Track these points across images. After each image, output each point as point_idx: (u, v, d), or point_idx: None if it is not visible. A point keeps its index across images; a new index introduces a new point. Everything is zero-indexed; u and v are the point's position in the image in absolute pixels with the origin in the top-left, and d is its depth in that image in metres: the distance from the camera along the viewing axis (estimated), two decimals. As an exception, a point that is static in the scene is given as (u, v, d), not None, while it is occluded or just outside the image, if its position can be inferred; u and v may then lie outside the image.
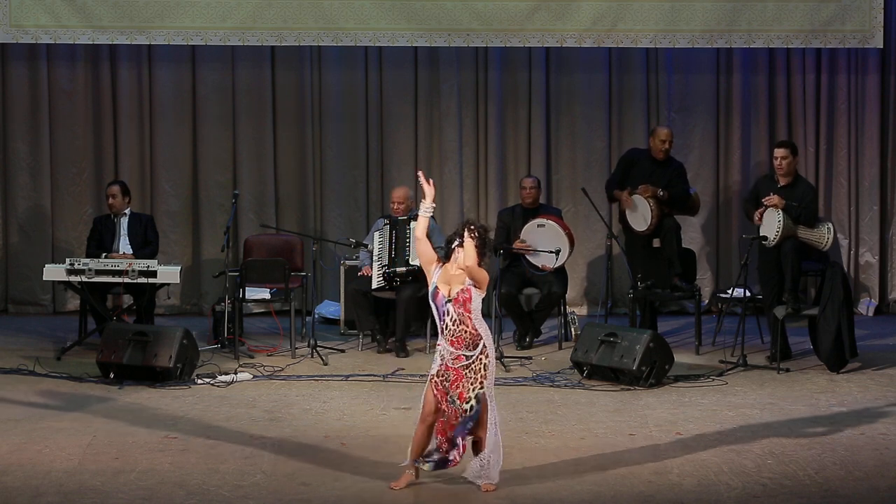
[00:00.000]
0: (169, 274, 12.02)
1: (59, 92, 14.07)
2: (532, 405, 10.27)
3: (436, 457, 8.18)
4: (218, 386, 10.95)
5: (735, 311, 12.33)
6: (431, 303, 8.15)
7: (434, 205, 8.24)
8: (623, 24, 13.58)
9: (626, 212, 12.63)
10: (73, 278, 11.98)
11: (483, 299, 8.14)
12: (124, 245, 12.59)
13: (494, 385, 8.19)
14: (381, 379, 11.23)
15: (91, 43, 13.72)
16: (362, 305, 12.36)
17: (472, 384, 8.03)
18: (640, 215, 12.53)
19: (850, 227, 14.30)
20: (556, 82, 14.19)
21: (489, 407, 8.09)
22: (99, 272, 11.91)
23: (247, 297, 12.38)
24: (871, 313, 14.20)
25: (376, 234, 12.48)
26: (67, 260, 12.05)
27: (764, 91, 14.19)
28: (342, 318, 13.05)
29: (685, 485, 8.29)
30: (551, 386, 11.00)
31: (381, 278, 12.26)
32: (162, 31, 13.55)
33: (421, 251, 8.22)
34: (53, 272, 12.08)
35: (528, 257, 12.57)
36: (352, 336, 12.75)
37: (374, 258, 12.37)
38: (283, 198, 14.27)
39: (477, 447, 8.15)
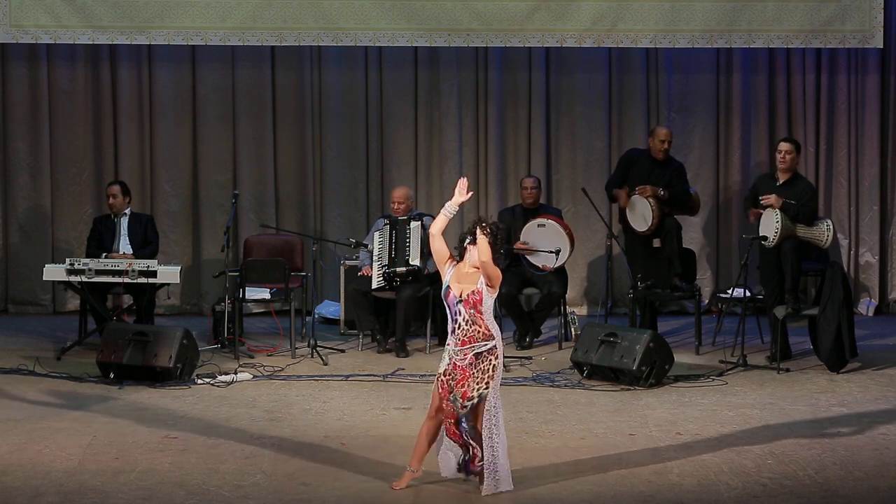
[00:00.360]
0: (169, 274, 12.02)
1: (59, 92, 14.07)
2: (532, 405, 10.27)
3: (454, 462, 8.14)
4: (218, 386, 10.95)
5: (735, 311, 12.32)
6: (444, 301, 8.12)
7: (457, 208, 8.19)
8: (623, 24, 13.58)
9: (627, 212, 12.64)
10: (73, 278, 11.98)
11: None
12: (124, 245, 12.59)
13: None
14: (381, 379, 11.24)
15: (91, 43, 13.72)
16: (362, 305, 12.36)
17: (477, 384, 8.01)
18: (641, 215, 12.53)
19: (850, 227, 14.31)
20: (556, 82, 14.19)
21: (491, 408, 8.06)
22: (99, 272, 11.91)
23: (247, 297, 12.38)
24: (871, 313, 14.20)
25: (376, 234, 12.48)
26: (67, 260, 12.05)
27: (764, 91, 14.20)
28: (342, 318, 13.05)
29: (685, 485, 8.29)
30: (551, 386, 11.00)
31: (381, 278, 12.26)
32: (162, 31, 13.55)
33: (436, 248, 8.17)
34: (53, 272, 12.08)
35: (528, 257, 12.58)
36: (352, 336, 12.75)
37: (374, 258, 12.37)
38: (283, 198, 14.27)
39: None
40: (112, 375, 11.05)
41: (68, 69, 14.05)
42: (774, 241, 11.74)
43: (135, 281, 11.91)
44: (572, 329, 11.82)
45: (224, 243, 12.49)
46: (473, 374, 8.03)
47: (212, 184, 14.20)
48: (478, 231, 7.99)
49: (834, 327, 11.34)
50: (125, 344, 11.11)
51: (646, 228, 12.51)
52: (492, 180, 14.24)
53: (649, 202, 12.45)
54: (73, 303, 13.62)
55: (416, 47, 13.98)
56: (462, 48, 13.92)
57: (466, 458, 8.11)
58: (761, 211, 11.88)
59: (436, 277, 12.24)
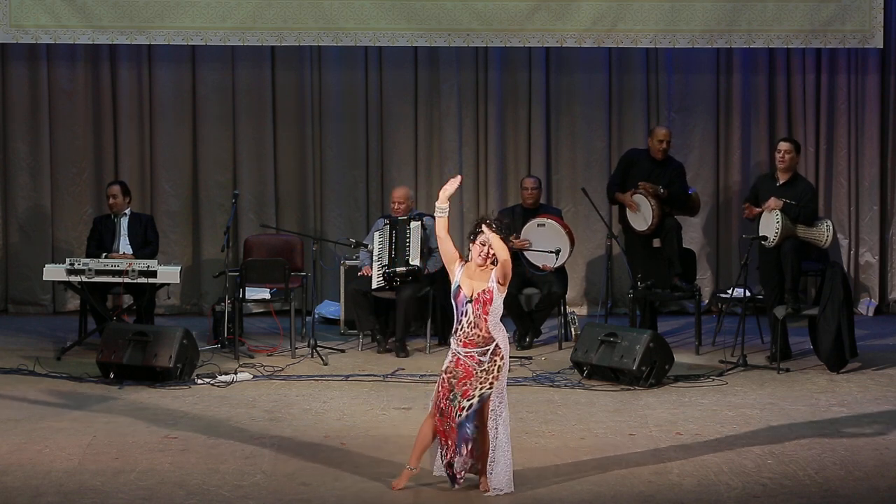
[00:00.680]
0: (169, 274, 12.02)
1: (59, 92, 14.07)
2: (532, 405, 10.27)
3: (444, 468, 8.12)
4: (218, 386, 10.95)
5: (735, 311, 12.32)
6: (452, 301, 8.10)
7: (446, 204, 8.17)
8: (623, 24, 13.58)
9: (627, 211, 12.64)
10: (73, 278, 11.98)
11: None
12: (124, 245, 12.59)
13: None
14: (381, 379, 11.24)
15: (91, 43, 13.72)
16: (362, 305, 12.36)
17: (480, 383, 7.99)
18: (641, 215, 12.54)
19: (850, 227, 14.31)
20: (556, 82, 14.19)
21: (496, 409, 8.04)
22: (99, 272, 11.91)
23: (247, 297, 12.38)
24: (871, 313, 14.20)
25: (376, 234, 12.48)
26: (67, 260, 12.05)
27: (764, 91, 14.20)
28: (342, 318, 13.05)
29: (685, 485, 8.29)
30: (551, 386, 11.00)
31: (381, 278, 12.26)
32: (162, 31, 13.55)
33: (444, 250, 8.14)
34: (53, 272, 12.08)
35: (527, 257, 12.57)
36: (352, 336, 12.75)
37: (374, 258, 12.37)
38: (283, 198, 14.27)
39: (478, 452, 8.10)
40: (112, 375, 11.05)
41: (68, 69, 14.05)
42: (774, 241, 11.75)
43: (135, 281, 11.91)
44: (572, 329, 11.83)
45: (224, 243, 12.49)
46: (477, 373, 8.01)
47: (212, 184, 14.20)
48: (485, 229, 7.96)
49: (834, 327, 11.34)
50: (125, 344, 11.11)
51: (646, 228, 12.51)
52: (492, 180, 14.24)
53: (650, 202, 12.45)
54: (73, 303, 13.62)
55: (416, 47, 13.98)
56: (462, 48, 13.92)
57: (455, 466, 8.03)
58: (758, 210, 11.89)
59: (436, 277, 12.27)
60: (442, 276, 12.25)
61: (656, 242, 12.60)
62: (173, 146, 14.15)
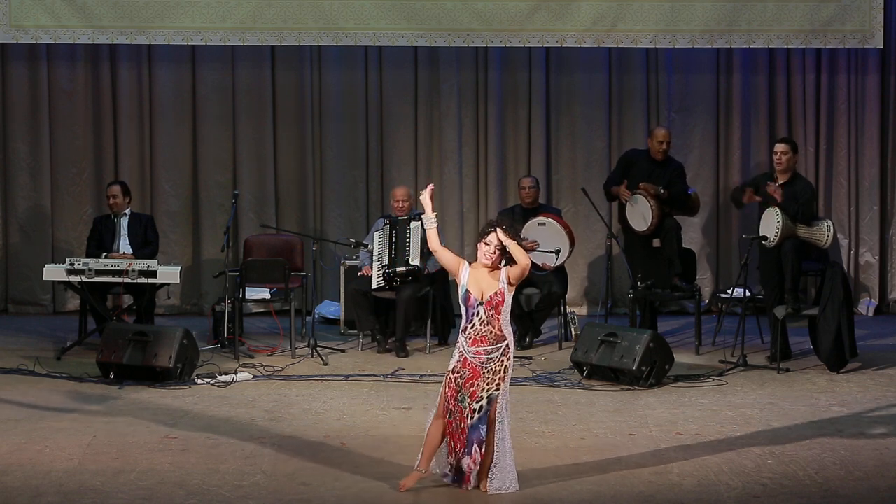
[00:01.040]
0: (169, 274, 12.02)
1: (59, 92, 14.08)
2: (532, 405, 10.27)
3: (448, 470, 8.10)
4: (218, 386, 10.95)
5: (735, 311, 12.32)
6: (462, 305, 8.10)
7: (434, 213, 8.22)
8: (623, 24, 13.58)
9: (627, 211, 12.64)
10: (73, 278, 11.98)
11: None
12: (124, 245, 12.59)
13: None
14: (381, 379, 11.23)
15: (91, 43, 13.72)
16: (362, 305, 12.36)
17: (487, 384, 7.99)
18: (641, 215, 12.54)
19: (850, 227, 14.31)
20: (556, 82, 14.20)
21: (501, 410, 8.04)
22: (99, 272, 11.91)
23: (247, 297, 12.38)
24: (871, 313, 14.20)
25: (376, 234, 12.48)
26: (67, 260, 12.05)
27: (764, 91, 14.20)
28: (342, 318, 13.06)
29: (685, 485, 8.28)
30: (551, 386, 11.00)
31: (381, 278, 12.26)
32: (162, 31, 13.55)
33: (444, 262, 8.18)
34: (53, 272, 12.08)
35: (527, 257, 12.56)
36: (352, 336, 12.75)
37: (374, 258, 12.37)
38: (283, 198, 14.27)
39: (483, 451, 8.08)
40: (112, 375, 11.05)
41: (68, 69, 14.05)
42: (774, 241, 11.75)
43: (135, 281, 11.91)
44: (572, 329, 11.82)
45: (224, 243, 12.49)
46: (484, 374, 8.01)
47: (212, 184, 14.20)
48: (502, 235, 7.96)
49: (834, 327, 11.34)
50: (125, 344, 11.11)
51: (645, 228, 12.51)
52: (492, 180, 14.24)
53: (650, 202, 12.45)
54: (73, 303, 13.62)
55: (416, 47, 13.98)
56: (462, 48, 13.93)
57: (463, 468, 8.01)
58: (758, 197, 11.87)
59: (436, 277, 12.27)
60: (442, 276, 12.27)
61: (656, 242, 12.60)
62: (173, 146, 14.16)
